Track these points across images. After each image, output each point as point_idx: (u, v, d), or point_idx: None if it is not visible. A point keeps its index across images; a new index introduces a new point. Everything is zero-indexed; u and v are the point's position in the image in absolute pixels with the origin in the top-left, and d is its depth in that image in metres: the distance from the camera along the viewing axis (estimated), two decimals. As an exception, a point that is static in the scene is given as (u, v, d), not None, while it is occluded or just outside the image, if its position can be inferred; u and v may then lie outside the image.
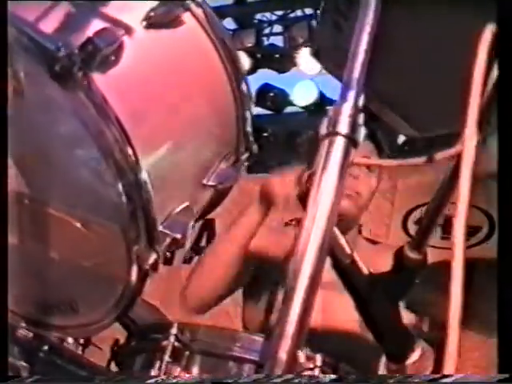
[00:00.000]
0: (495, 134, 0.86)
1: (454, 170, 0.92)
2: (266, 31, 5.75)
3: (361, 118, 0.88)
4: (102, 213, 0.99)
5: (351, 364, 1.18)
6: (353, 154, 0.86)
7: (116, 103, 0.93)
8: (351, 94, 0.89)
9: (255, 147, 1.22)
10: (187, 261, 5.58)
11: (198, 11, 1.12)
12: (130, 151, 0.93)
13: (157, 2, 1.08)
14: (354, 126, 0.87)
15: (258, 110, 5.59)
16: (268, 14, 5.74)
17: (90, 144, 0.94)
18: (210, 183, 1.13)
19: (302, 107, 5.29)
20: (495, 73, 0.88)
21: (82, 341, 1.74)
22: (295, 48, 5.28)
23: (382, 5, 0.93)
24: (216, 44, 1.13)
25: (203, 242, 5.67)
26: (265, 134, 5.29)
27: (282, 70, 5.55)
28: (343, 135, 0.86)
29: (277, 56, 5.63)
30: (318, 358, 1.16)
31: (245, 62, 5.37)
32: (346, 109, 0.88)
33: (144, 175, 0.94)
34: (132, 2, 1.10)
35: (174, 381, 1.04)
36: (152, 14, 1.06)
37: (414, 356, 1.28)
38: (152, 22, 1.06)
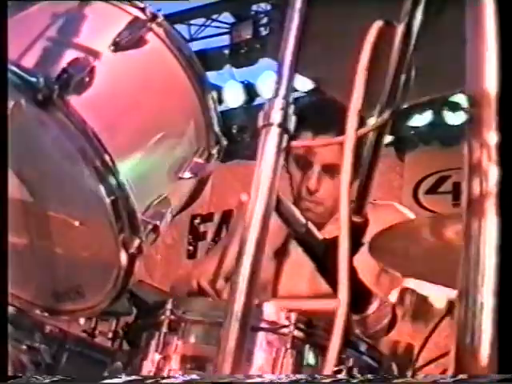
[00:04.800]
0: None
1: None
2: (263, 21, 5.91)
3: (291, 110, 1.05)
4: (92, 211, 1.18)
5: (321, 319, 1.35)
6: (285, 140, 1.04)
7: (92, 119, 1.13)
8: (282, 90, 1.07)
9: (224, 141, 1.41)
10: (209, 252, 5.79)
11: (159, 30, 1.30)
12: (107, 158, 1.12)
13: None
14: (285, 117, 1.05)
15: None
16: (263, 5, 5.90)
17: (76, 156, 1.14)
18: (186, 176, 1.32)
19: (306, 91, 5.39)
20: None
21: (110, 335, 1.89)
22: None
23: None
24: (177, 56, 1.31)
25: (223, 234, 5.87)
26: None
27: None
28: (276, 125, 1.04)
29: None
30: (293, 316, 1.35)
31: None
32: (278, 103, 1.06)
33: (122, 177, 1.13)
34: (101, 29, 1.30)
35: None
36: (118, 39, 1.24)
37: (373, 307, 1.45)
38: (118, 46, 1.24)
